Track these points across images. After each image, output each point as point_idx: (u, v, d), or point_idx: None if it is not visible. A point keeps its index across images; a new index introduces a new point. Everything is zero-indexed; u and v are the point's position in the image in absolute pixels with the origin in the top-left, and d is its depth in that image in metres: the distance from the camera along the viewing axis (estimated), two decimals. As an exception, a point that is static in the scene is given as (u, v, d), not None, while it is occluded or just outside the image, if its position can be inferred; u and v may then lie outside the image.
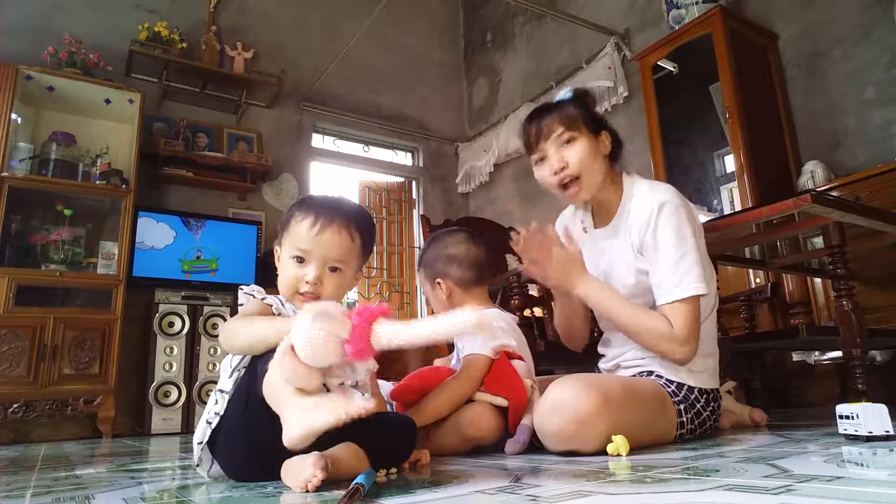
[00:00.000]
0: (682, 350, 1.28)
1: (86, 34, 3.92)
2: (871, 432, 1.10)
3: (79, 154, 3.66)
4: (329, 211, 1.11)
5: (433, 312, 1.77)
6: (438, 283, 1.61)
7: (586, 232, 1.52)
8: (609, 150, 1.43)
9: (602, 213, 1.49)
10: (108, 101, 3.78)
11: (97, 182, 3.61)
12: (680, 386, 1.35)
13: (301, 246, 1.09)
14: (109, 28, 4.14)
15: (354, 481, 0.80)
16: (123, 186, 3.65)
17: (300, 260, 1.09)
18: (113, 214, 3.73)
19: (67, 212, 3.58)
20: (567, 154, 1.38)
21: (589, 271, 1.42)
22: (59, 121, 3.71)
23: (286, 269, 1.11)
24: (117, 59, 4.02)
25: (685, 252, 1.29)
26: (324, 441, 0.88)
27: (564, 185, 1.40)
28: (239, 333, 1.02)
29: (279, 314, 1.07)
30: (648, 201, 1.35)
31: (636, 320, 1.32)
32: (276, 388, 0.89)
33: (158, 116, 4.23)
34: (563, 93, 1.46)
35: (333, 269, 1.11)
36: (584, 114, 1.41)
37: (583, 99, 1.45)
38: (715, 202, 3.54)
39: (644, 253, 1.34)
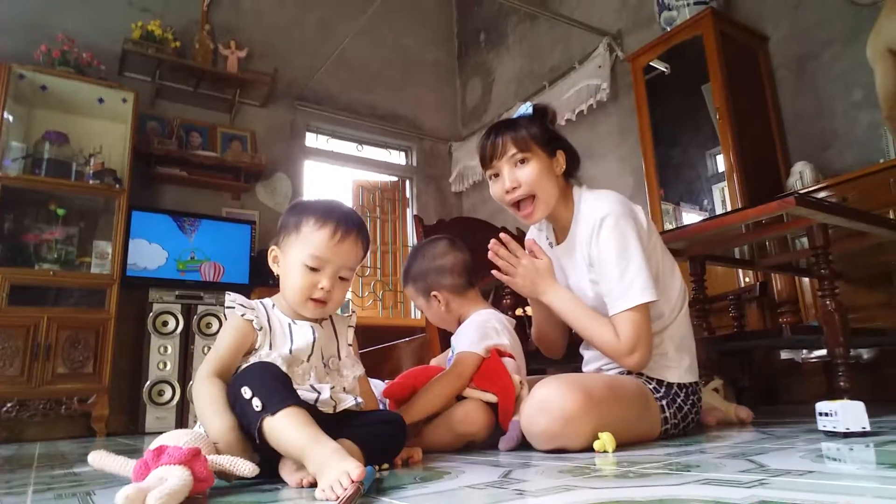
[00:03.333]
0: (629, 359, 1.32)
1: (79, 33, 3.92)
2: (848, 429, 1.14)
3: (72, 153, 3.66)
4: (346, 221, 1.12)
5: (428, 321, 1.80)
6: (434, 296, 1.63)
7: (552, 248, 1.55)
8: (564, 169, 1.45)
9: (559, 229, 1.52)
10: (101, 101, 3.78)
11: (90, 181, 3.61)
12: (660, 383, 1.39)
13: (318, 254, 1.09)
14: (102, 27, 4.14)
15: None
16: (117, 186, 3.66)
17: (314, 268, 1.09)
18: (106, 214, 3.73)
19: (61, 211, 3.58)
20: (520, 174, 1.40)
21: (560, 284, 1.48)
22: (52, 120, 3.71)
23: (297, 277, 1.10)
24: (110, 58, 4.02)
25: (628, 262, 1.31)
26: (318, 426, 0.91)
27: (517, 205, 1.44)
28: (197, 409, 1.03)
29: (260, 329, 1.08)
30: (590, 215, 1.38)
31: (590, 330, 1.37)
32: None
33: (152, 115, 4.23)
34: (523, 108, 1.48)
35: (341, 278, 1.13)
36: (540, 134, 1.42)
37: (541, 117, 1.47)
38: (706, 202, 3.58)
39: (593, 265, 1.38)
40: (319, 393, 1.04)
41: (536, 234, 1.61)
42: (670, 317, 1.42)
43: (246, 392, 0.94)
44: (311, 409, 0.99)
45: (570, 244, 1.46)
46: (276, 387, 0.95)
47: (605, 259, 1.34)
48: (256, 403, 0.92)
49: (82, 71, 3.76)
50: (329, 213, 1.12)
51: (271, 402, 0.91)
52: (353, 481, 0.77)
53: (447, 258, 1.64)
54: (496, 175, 1.45)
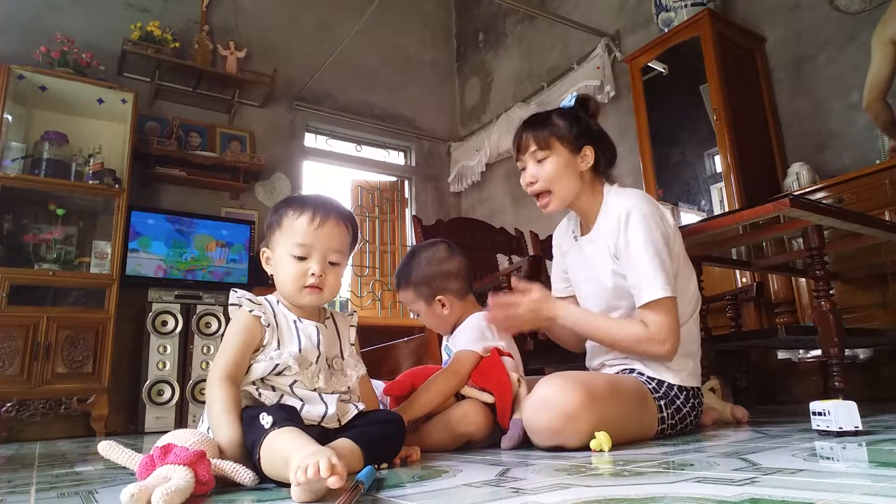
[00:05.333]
0: (662, 348, 1.35)
1: (78, 33, 3.93)
2: (841, 428, 1.15)
3: (71, 154, 3.67)
4: (324, 205, 1.14)
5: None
6: (439, 301, 1.62)
7: (576, 240, 1.59)
8: (591, 164, 1.49)
9: (586, 221, 1.56)
10: (100, 101, 3.79)
11: (90, 182, 3.62)
12: (660, 383, 1.41)
13: (301, 241, 1.11)
14: (101, 27, 4.14)
15: (355, 479, 0.82)
16: (116, 186, 3.66)
17: (301, 257, 1.11)
18: (106, 214, 3.74)
19: (60, 211, 3.59)
20: (539, 170, 1.48)
21: (581, 277, 1.55)
22: (52, 120, 3.71)
23: (287, 268, 1.12)
24: (109, 59, 4.03)
25: (654, 255, 1.35)
26: (321, 439, 0.91)
27: (537, 196, 1.51)
28: (209, 413, 1.03)
29: (268, 325, 1.10)
30: (618, 208, 1.42)
31: (613, 332, 1.41)
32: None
33: (151, 116, 4.24)
34: (566, 101, 1.54)
35: (332, 263, 1.14)
36: (568, 130, 1.47)
37: (573, 113, 1.51)
38: (703, 202, 3.59)
39: (618, 257, 1.41)
40: (327, 406, 1.06)
41: (564, 225, 1.67)
42: (683, 323, 1.43)
43: (264, 418, 0.95)
44: (317, 425, 1.02)
45: (595, 235, 1.50)
46: (292, 414, 0.99)
47: (633, 251, 1.37)
48: (268, 420, 0.94)
49: (81, 71, 3.77)
50: (305, 202, 1.15)
51: (280, 419, 0.94)
52: (351, 486, 0.77)
53: (452, 263, 1.64)
54: (523, 168, 1.52)
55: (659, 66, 3.65)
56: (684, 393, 1.42)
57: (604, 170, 1.53)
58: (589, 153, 1.49)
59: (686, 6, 3.43)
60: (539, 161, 1.48)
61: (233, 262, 4.08)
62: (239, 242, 4.14)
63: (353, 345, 1.22)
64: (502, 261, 2.72)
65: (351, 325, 1.24)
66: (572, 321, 1.45)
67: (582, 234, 1.57)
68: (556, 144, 1.47)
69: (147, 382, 3.55)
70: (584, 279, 1.55)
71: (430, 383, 1.45)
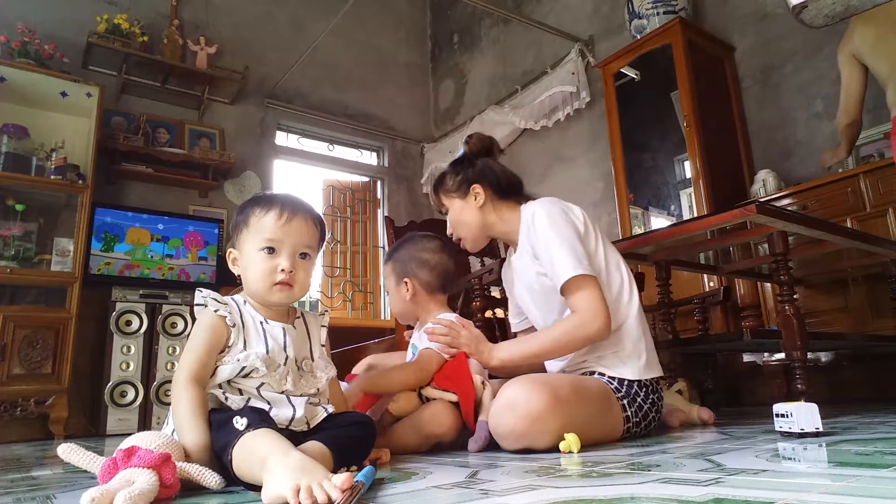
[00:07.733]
0: (594, 325, 1.35)
1: (40, 24, 3.81)
2: (802, 429, 1.18)
3: (32, 148, 3.56)
4: (291, 202, 1.14)
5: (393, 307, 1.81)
6: (405, 283, 1.65)
7: (511, 263, 1.67)
8: (483, 199, 1.58)
9: (513, 243, 1.64)
10: (64, 94, 3.68)
11: (52, 177, 3.50)
12: (621, 382, 1.42)
13: (270, 236, 1.09)
14: (65, 19, 4.03)
15: (354, 479, 0.80)
16: (80, 182, 3.56)
17: (270, 251, 1.09)
18: (68, 210, 3.63)
19: (19, 207, 3.47)
20: (448, 221, 1.65)
21: (519, 291, 1.63)
22: (12, 113, 3.58)
23: (256, 264, 1.10)
24: (74, 51, 3.92)
25: (562, 240, 1.40)
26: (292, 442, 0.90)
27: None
28: (174, 415, 1.01)
29: (233, 325, 1.07)
30: (528, 214, 1.51)
31: (552, 338, 1.41)
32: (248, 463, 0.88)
33: (117, 111, 4.14)
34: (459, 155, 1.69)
35: (303, 256, 1.13)
36: (451, 181, 1.62)
37: (463, 159, 1.65)
38: (673, 207, 3.65)
39: (537, 256, 1.47)
40: (295, 409, 1.04)
41: (506, 259, 1.74)
42: (625, 314, 1.46)
43: (238, 421, 0.93)
44: (285, 429, 1.00)
45: (520, 248, 1.57)
46: (265, 417, 0.97)
47: (542, 242, 1.43)
48: (242, 423, 0.92)
49: (44, 63, 3.66)
50: (272, 199, 1.14)
51: (254, 422, 0.92)
52: (346, 489, 0.75)
53: (433, 256, 1.67)
54: None
55: (631, 73, 3.70)
56: (644, 389, 1.43)
57: (503, 195, 1.59)
58: (478, 189, 1.58)
59: (658, 14, 3.48)
60: (445, 213, 1.65)
61: (168, 257, 3.93)
62: (176, 237, 3.98)
63: (323, 346, 1.20)
64: (474, 263, 2.72)
65: (322, 326, 1.21)
66: (511, 355, 1.45)
67: (515, 252, 1.64)
68: (445, 198, 1.64)
69: (109, 384, 3.46)
70: (521, 291, 1.62)
71: (394, 369, 1.50)
